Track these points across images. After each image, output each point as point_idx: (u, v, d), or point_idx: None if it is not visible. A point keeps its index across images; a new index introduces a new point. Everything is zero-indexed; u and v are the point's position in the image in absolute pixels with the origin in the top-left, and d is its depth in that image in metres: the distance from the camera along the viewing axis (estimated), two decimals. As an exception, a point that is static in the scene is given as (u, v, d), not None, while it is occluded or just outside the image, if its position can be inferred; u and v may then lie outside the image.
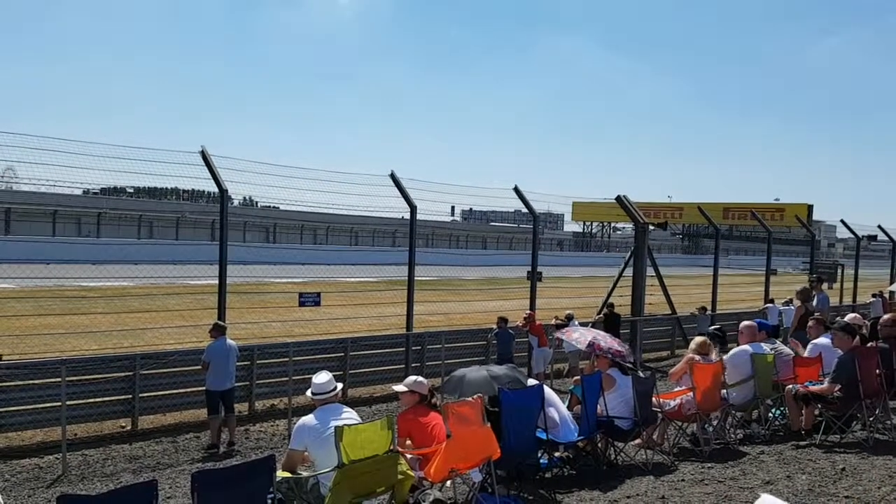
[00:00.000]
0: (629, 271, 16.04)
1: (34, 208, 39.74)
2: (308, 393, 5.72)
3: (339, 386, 5.82)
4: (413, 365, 12.05)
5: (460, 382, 7.07)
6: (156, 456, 8.52)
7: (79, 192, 30.46)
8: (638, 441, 7.92)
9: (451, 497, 6.01)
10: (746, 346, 8.85)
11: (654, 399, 8.03)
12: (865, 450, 7.98)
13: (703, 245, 79.03)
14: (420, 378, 6.45)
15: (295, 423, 5.75)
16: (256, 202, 42.91)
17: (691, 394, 8.13)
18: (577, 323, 13.00)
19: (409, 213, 12.11)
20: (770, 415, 9.11)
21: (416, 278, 12.40)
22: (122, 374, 9.44)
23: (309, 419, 5.46)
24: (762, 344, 9.02)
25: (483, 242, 69.36)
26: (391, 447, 5.36)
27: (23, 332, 12.16)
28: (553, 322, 13.32)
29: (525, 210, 14.32)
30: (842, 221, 24.23)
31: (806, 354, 9.41)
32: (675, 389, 8.64)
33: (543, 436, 6.99)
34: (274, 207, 46.33)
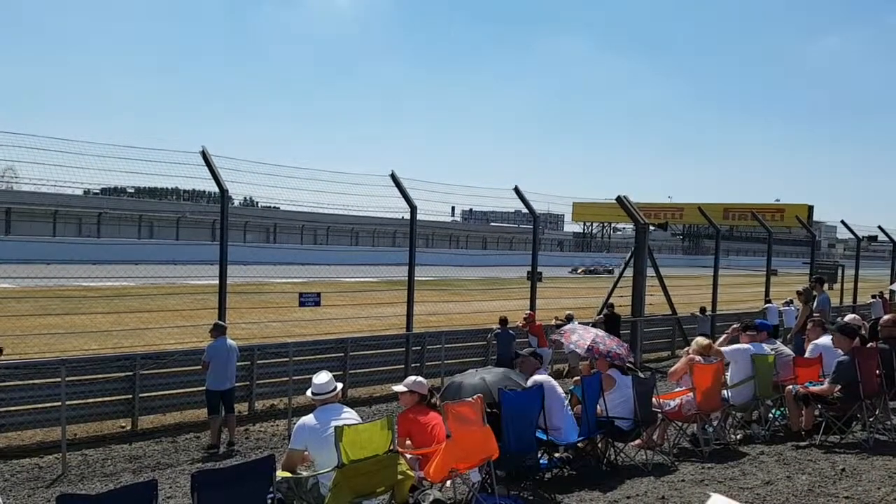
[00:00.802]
0: (629, 272, 16.05)
1: (35, 208, 39.76)
2: (308, 393, 5.72)
3: (339, 386, 5.81)
4: (413, 365, 12.06)
5: (458, 390, 7.08)
6: (156, 456, 8.52)
7: (79, 192, 30.52)
8: (638, 441, 7.92)
9: (450, 497, 6.00)
10: (748, 345, 8.85)
11: (654, 399, 8.03)
12: (865, 450, 7.97)
13: (704, 245, 79.06)
14: (420, 378, 6.45)
15: (295, 423, 5.75)
16: (257, 202, 42.97)
17: (691, 394, 8.13)
18: (576, 323, 12.99)
19: (409, 214, 12.12)
20: (770, 415, 9.10)
21: (416, 278, 12.40)
22: (123, 374, 9.44)
23: (309, 419, 5.46)
24: (763, 344, 9.03)
25: (483, 243, 69.40)
26: (391, 447, 5.36)
27: (23, 331, 12.16)
28: (553, 322, 13.31)
29: (525, 210, 14.33)
30: (842, 222, 24.24)
31: (806, 355, 9.41)
32: (676, 390, 8.64)
33: (543, 436, 6.99)
34: (274, 207, 46.42)
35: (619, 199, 16.52)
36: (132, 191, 46.93)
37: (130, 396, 9.39)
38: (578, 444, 7.42)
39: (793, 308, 17.26)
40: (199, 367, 9.06)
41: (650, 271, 16.54)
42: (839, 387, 8.18)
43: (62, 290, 18.83)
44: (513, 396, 6.69)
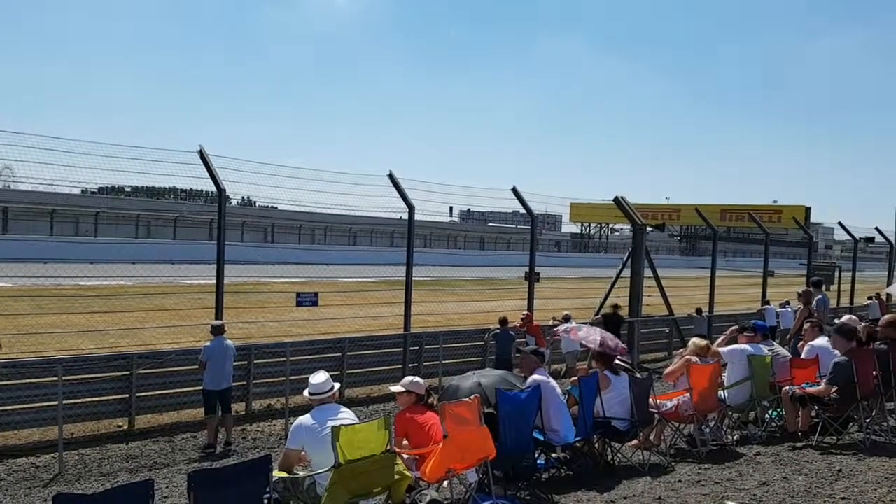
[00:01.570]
0: (627, 272, 16.05)
1: (32, 207, 39.62)
2: (305, 393, 5.72)
3: (337, 386, 5.81)
4: (410, 365, 12.06)
5: (455, 393, 7.08)
6: (152, 455, 8.52)
7: (77, 191, 30.47)
8: (635, 442, 7.93)
9: (447, 497, 6.00)
10: (746, 346, 8.86)
11: (651, 400, 8.04)
12: (862, 451, 7.98)
13: (701, 247, 79.09)
14: (417, 378, 6.46)
15: (292, 423, 5.75)
16: (255, 202, 42.89)
17: (688, 395, 8.14)
18: (574, 324, 12.99)
19: (407, 214, 12.12)
20: (767, 416, 9.12)
21: (413, 278, 12.40)
22: (119, 373, 9.43)
23: (306, 419, 5.46)
24: (760, 345, 9.04)
25: (481, 243, 69.32)
26: (388, 447, 5.36)
27: (20, 330, 12.13)
28: (551, 323, 13.32)
29: (523, 211, 14.33)
30: (839, 223, 24.27)
31: (802, 356, 9.43)
32: (672, 391, 8.65)
33: (540, 436, 6.99)
34: (272, 207, 46.32)
35: (616, 199, 16.53)
36: (129, 190, 46.84)
37: (127, 396, 9.38)
38: (575, 445, 7.43)
39: (790, 309, 17.28)
40: (196, 366, 9.06)
41: (647, 272, 16.55)
42: (836, 388, 8.20)
43: (59, 289, 18.79)
44: (510, 396, 6.69)
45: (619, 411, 7.64)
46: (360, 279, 24.51)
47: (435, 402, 6.44)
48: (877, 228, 25.61)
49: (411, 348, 12.34)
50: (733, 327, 9.74)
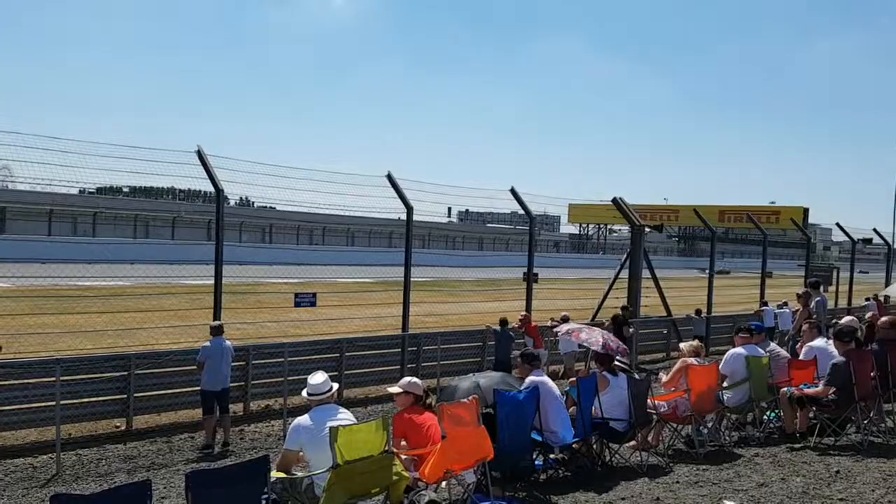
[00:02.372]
0: (625, 273, 16.07)
1: (30, 207, 39.61)
2: (303, 393, 5.72)
3: (335, 387, 5.82)
4: (409, 366, 12.05)
5: (453, 394, 7.09)
6: (150, 456, 8.50)
7: (75, 191, 30.48)
8: (633, 443, 7.94)
9: (445, 498, 6.01)
10: (740, 349, 8.86)
11: (649, 401, 8.04)
12: (860, 452, 8.00)
13: (699, 248, 79.13)
14: (415, 379, 6.45)
15: (290, 424, 5.74)
16: (253, 202, 42.90)
17: (686, 396, 8.15)
18: (575, 325, 12.98)
19: (405, 214, 12.11)
20: (765, 417, 9.13)
21: (412, 279, 12.40)
22: (117, 373, 9.42)
23: (304, 419, 5.45)
24: (757, 346, 9.05)
25: (479, 244, 69.31)
26: (386, 448, 5.36)
27: (18, 330, 12.10)
28: (549, 324, 13.31)
29: (522, 212, 14.33)
30: (837, 225, 24.30)
31: (801, 357, 9.44)
32: (671, 391, 8.66)
33: (538, 437, 6.99)
34: (270, 208, 46.34)
35: (614, 200, 16.56)
36: (128, 190, 46.80)
37: (125, 396, 9.36)
38: (573, 446, 7.43)
39: (787, 310, 17.31)
40: (195, 367, 9.04)
41: (645, 273, 16.58)
42: (834, 389, 8.21)
43: (57, 289, 18.76)
44: (508, 397, 6.70)
45: (618, 412, 7.64)
46: (358, 280, 24.48)
47: (433, 403, 6.44)
48: (875, 230, 25.66)
49: (409, 349, 12.33)
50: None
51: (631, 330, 13.74)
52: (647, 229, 17.44)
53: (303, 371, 8.91)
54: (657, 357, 16.64)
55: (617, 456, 7.77)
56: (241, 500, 4.57)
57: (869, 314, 9.27)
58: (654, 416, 8.13)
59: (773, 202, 74.44)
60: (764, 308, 17.47)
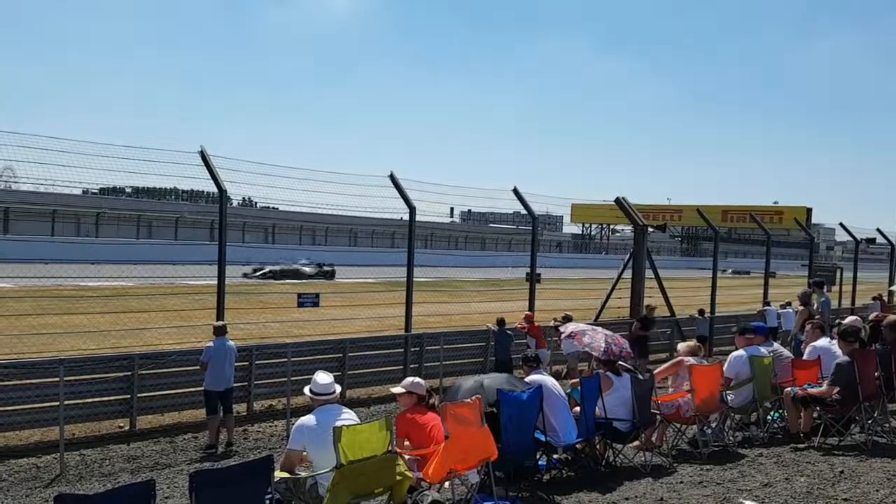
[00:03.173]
0: (628, 273, 16.04)
1: (33, 208, 39.68)
2: (306, 390, 5.71)
3: (338, 388, 5.82)
4: (412, 366, 12.05)
5: (456, 394, 7.08)
6: (154, 456, 8.51)
7: (78, 191, 30.43)
8: (636, 443, 7.92)
9: (449, 498, 6.00)
10: (742, 351, 8.82)
11: (652, 401, 8.03)
12: (864, 452, 7.98)
13: (702, 248, 79.07)
14: (418, 379, 6.45)
15: (293, 424, 5.74)
16: (255, 202, 42.87)
17: (690, 396, 8.14)
18: (576, 326, 12.95)
19: (408, 214, 12.11)
20: (769, 417, 9.11)
21: (414, 279, 12.40)
22: (121, 374, 9.42)
23: (308, 419, 5.45)
24: (760, 347, 9.02)
25: (482, 244, 69.33)
26: (389, 448, 5.35)
27: (21, 331, 12.13)
28: (552, 324, 13.30)
29: (524, 211, 14.33)
30: (840, 224, 24.25)
31: (804, 357, 9.41)
32: (668, 388, 8.66)
33: (542, 437, 6.98)
34: (273, 208, 46.31)
35: (617, 200, 16.53)
36: (130, 190, 46.92)
37: (129, 396, 9.37)
38: (577, 446, 7.42)
39: (791, 310, 17.27)
40: (198, 367, 9.05)
41: (649, 273, 16.54)
42: (838, 389, 8.19)
43: (60, 289, 18.80)
44: (512, 397, 6.69)
45: (621, 412, 7.63)
46: (361, 280, 24.51)
47: (436, 403, 6.44)
48: (878, 229, 25.59)
49: (412, 349, 12.33)
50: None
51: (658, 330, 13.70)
52: (650, 229, 17.39)
53: (306, 371, 8.95)
54: (660, 357, 16.59)
55: (620, 456, 7.75)
56: (244, 499, 4.57)
57: (873, 314, 9.23)
58: (658, 417, 8.11)
59: (776, 202, 74.47)
60: (767, 308, 17.44)
